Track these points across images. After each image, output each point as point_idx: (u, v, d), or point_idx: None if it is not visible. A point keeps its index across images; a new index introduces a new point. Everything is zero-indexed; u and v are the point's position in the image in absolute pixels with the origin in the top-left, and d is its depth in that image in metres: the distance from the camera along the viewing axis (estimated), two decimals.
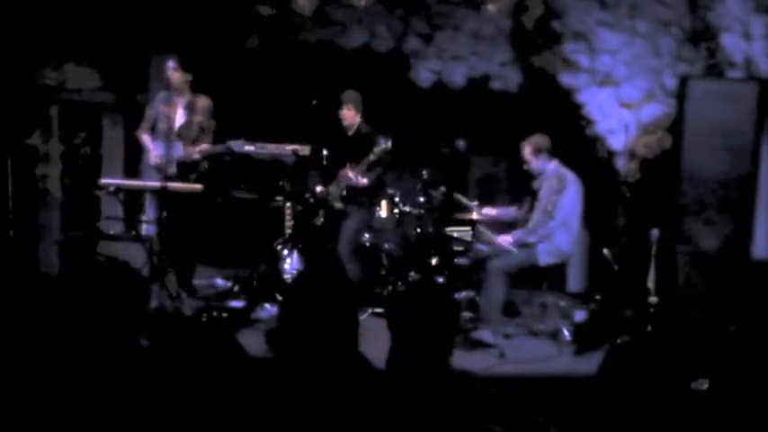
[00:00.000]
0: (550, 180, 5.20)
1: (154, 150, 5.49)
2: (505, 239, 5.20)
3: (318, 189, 5.99)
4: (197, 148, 5.46)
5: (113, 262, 5.38)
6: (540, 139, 5.24)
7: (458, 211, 5.91)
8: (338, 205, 5.81)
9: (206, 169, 5.59)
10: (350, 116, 5.75)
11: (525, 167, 5.30)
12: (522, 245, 5.19)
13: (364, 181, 5.69)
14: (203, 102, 5.53)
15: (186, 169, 5.46)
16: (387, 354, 2.32)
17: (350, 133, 5.83)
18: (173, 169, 5.36)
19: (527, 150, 5.24)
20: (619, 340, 4.74)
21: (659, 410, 2.08)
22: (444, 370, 2.28)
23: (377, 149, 5.56)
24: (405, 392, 2.18)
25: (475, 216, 5.65)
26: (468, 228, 6.29)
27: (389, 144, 5.56)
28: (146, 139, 5.57)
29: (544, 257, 5.15)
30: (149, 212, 5.72)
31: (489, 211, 5.63)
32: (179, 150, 5.42)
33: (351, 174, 5.64)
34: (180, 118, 5.45)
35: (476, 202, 5.84)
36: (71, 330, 2.19)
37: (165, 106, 5.48)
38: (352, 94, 5.76)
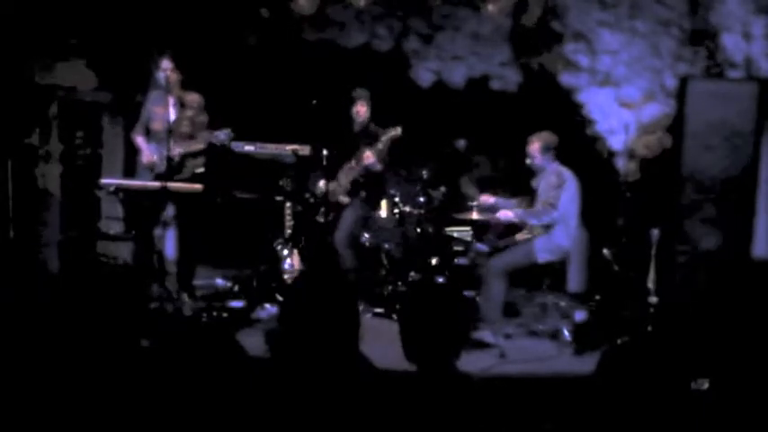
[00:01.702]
0: (549, 177, 5.24)
1: (146, 150, 5.49)
2: (507, 214, 5.28)
3: (321, 185, 6.00)
4: (180, 144, 5.40)
5: (113, 262, 5.40)
6: (549, 137, 5.28)
7: (463, 199, 5.92)
8: (344, 199, 5.86)
9: (200, 170, 5.54)
10: (363, 111, 5.89)
11: (528, 162, 5.32)
12: (522, 244, 5.24)
13: (379, 167, 5.75)
14: (193, 97, 5.53)
15: (175, 167, 5.36)
16: (395, 353, 2.32)
17: (357, 129, 5.92)
18: (162, 168, 5.31)
19: (535, 146, 5.26)
20: (619, 340, 4.75)
21: (659, 410, 2.08)
22: (448, 370, 2.28)
23: (385, 137, 5.67)
24: (408, 393, 2.18)
25: (475, 202, 5.62)
26: (468, 228, 6.29)
27: (399, 131, 5.66)
28: (140, 140, 5.57)
29: (543, 255, 5.16)
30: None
31: (488, 199, 5.60)
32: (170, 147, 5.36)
33: (371, 156, 5.67)
34: (171, 115, 5.43)
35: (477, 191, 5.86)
36: (71, 330, 2.19)
37: (158, 107, 5.47)
38: (363, 90, 5.92)
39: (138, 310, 2.29)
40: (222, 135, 5.41)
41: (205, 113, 5.57)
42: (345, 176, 5.90)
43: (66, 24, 5.86)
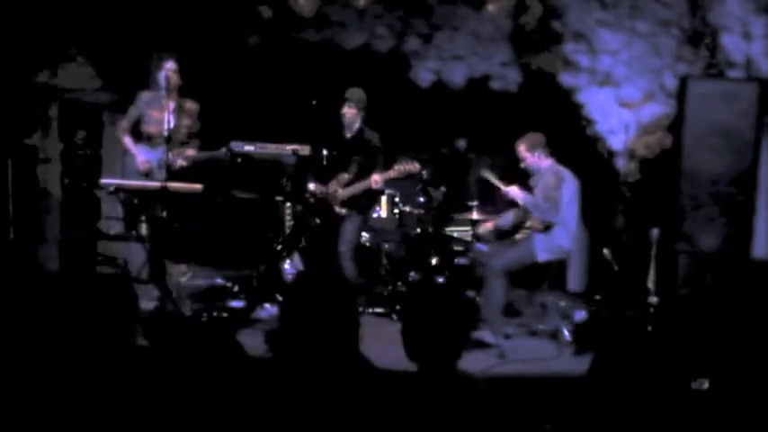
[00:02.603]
0: (546, 176, 5.25)
1: (140, 155, 5.33)
2: (516, 192, 5.24)
3: (318, 188, 5.94)
4: (185, 154, 5.35)
5: (101, 261, 5.40)
6: (533, 137, 5.32)
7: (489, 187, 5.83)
8: (342, 211, 5.70)
9: (192, 172, 5.49)
10: (351, 114, 5.65)
11: (522, 166, 5.35)
12: (522, 243, 5.26)
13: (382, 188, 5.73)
14: (191, 105, 5.44)
15: (174, 174, 5.26)
16: (395, 353, 2.31)
17: (348, 135, 5.75)
18: (162, 174, 5.18)
19: (521, 148, 5.33)
20: (613, 341, 4.75)
21: (659, 410, 2.08)
22: (448, 370, 2.28)
23: (401, 167, 5.49)
24: (408, 393, 2.18)
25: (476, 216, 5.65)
26: (468, 228, 6.30)
27: (417, 167, 5.50)
28: (128, 141, 5.40)
29: (543, 254, 5.17)
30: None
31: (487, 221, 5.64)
32: (169, 155, 5.22)
33: (379, 181, 5.56)
34: (169, 121, 5.27)
35: (476, 203, 5.87)
36: (71, 330, 2.19)
37: (154, 110, 5.36)
38: (356, 92, 5.67)
39: (135, 310, 2.28)
40: (221, 155, 5.40)
41: (198, 122, 5.51)
42: (342, 188, 5.72)
43: (66, 24, 5.86)
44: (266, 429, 2.05)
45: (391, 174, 5.52)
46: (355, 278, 5.62)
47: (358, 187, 5.63)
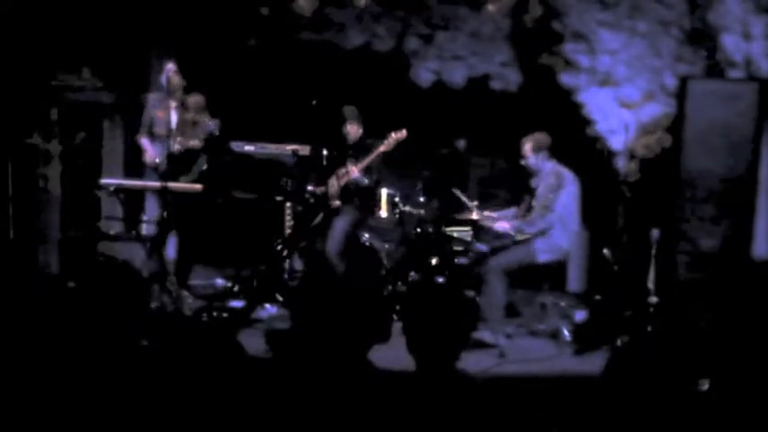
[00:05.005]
0: (548, 178, 5.26)
1: (150, 151, 5.60)
2: (503, 225, 5.30)
3: (318, 189, 5.98)
4: (185, 143, 5.53)
5: (113, 262, 5.40)
6: (541, 137, 5.33)
7: (457, 209, 5.90)
8: (336, 203, 5.84)
9: (203, 168, 5.61)
10: (354, 131, 5.89)
11: (523, 163, 5.36)
12: (520, 240, 5.25)
13: (366, 181, 5.75)
14: (195, 99, 5.60)
15: (178, 165, 5.48)
16: (395, 353, 2.31)
17: (350, 142, 5.94)
18: (164, 166, 5.44)
19: (528, 147, 5.33)
20: (619, 340, 4.76)
21: (659, 410, 2.08)
22: (449, 370, 2.28)
23: (389, 140, 5.66)
24: (408, 393, 2.18)
25: (475, 217, 5.64)
26: (468, 228, 6.29)
27: (404, 133, 5.67)
28: (144, 142, 5.69)
29: (543, 255, 5.18)
30: (149, 212, 5.74)
31: (490, 215, 5.63)
32: (169, 144, 5.50)
33: (355, 171, 5.69)
34: (173, 118, 5.52)
35: (476, 203, 5.85)
36: (71, 330, 2.19)
37: (159, 110, 5.60)
38: (351, 109, 5.91)
39: (138, 310, 2.29)
40: (211, 125, 5.48)
41: (206, 113, 5.62)
42: (338, 182, 5.89)
43: (67, 25, 5.86)
44: (266, 428, 2.05)
45: (381, 148, 5.68)
46: (343, 275, 5.70)
47: (344, 179, 5.80)
